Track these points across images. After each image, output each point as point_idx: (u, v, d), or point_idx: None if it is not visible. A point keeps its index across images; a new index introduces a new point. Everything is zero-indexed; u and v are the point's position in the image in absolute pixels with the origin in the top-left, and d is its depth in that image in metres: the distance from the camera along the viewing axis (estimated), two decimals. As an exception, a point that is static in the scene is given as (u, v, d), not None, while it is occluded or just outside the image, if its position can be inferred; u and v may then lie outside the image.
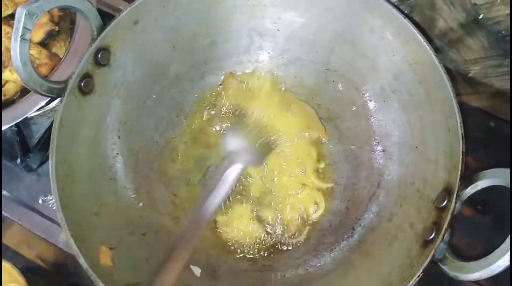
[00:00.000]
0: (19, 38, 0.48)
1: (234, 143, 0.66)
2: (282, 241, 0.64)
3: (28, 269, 0.66)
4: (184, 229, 0.55)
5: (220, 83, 0.71)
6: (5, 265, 0.62)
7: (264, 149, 0.67)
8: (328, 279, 0.59)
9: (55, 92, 0.54)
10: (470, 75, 0.74)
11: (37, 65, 0.62)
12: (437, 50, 0.73)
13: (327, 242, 0.63)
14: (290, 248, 0.64)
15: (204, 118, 0.71)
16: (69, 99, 0.54)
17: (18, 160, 0.69)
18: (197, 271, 0.60)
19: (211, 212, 0.57)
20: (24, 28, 0.48)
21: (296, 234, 0.65)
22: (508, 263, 0.43)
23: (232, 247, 0.64)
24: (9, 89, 0.65)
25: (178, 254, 0.52)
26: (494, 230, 0.68)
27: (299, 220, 0.65)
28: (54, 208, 0.69)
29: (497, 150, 0.73)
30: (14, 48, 0.49)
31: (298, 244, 0.64)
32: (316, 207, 0.66)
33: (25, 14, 0.48)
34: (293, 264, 0.62)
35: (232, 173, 0.61)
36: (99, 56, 0.57)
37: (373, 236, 0.61)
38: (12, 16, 0.67)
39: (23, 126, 0.68)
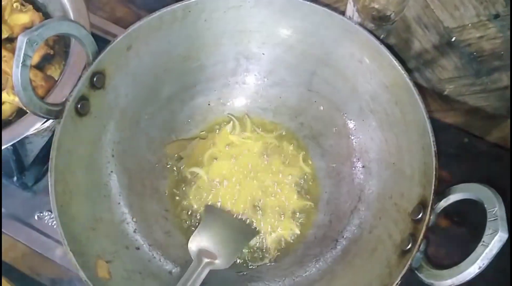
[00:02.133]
0: (20, 64, 0.50)
1: (205, 240, 0.63)
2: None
3: (23, 284, 0.67)
4: None
5: (208, 103, 0.74)
6: (1, 280, 0.64)
7: (240, 242, 0.66)
8: (313, 288, 0.62)
9: (53, 114, 0.55)
10: (445, 93, 0.77)
11: (33, 87, 0.64)
12: (413, 70, 0.76)
13: (312, 254, 0.65)
14: (276, 260, 0.66)
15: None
16: (66, 121, 0.56)
17: (14, 178, 0.71)
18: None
19: None
20: (25, 55, 0.49)
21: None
22: (478, 270, 0.47)
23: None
24: (6, 110, 0.66)
25: None
26: (470, 241, 0.69)
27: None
28: (49, 224, 0.71)
29: (471, 165, 0.76)
30: (16, 74, 0.50)
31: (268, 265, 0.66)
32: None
33: (26, 42, 0.49)
34: (280, 274, 0.64)
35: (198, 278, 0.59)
36: (94, 79, 0.59)
37: (355, 248, 0.63)
38: (7, 40, 0.69)
39: (18, 145, 0.70)
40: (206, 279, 0.62)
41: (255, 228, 0.68)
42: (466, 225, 0.73)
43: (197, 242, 0.63)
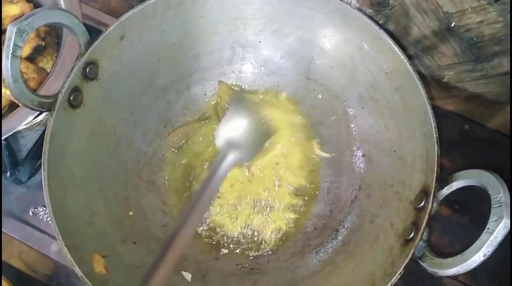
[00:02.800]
0: (10, 55, 0.49)
1: (231, 131, 0.62)
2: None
3: (20, 280, 0.66)
4: (175, 230, 0.50)
5: (205, 93, 0.73)
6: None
7: (258, 143, 0.65)
8: (314, 280, 0.61)
9: (45, 106, 0.55)
10: (444, 80, 0.76)
11: (25, 80, 0.63)
12: (412, 57, 0.75)
13: (313, 245, 0.64)
14: (276, 251, 0.66)
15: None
16: (59, 113, 0.55)
17: (8, 173, 0.70)
18: (188, 276, 0.61)
19: (202, 213, 0.55)
20: (15, 45, 0.49)
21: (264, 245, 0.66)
22: (483, 258, 0.46)
23: (220, 252, 0.65)
24: (-4, 104, 0.65)
25: (169, 257, 0.48)
26: (471, 229, 0.69)
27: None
28: (44, 219, 0.70)
29: (472, 152, 0.76)
30: (5, 65, 0.49)
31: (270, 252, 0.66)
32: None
33: (16, 32, 0.48)
34: (280, 266, 0.63)
35: (224, 167, 0.57)
36: (87, 70, 0.58)
37: (356, 237, 0.62)
38: (-3, 32, 0.68)
39: (11, 140, 0.69)
40: (207, 273, 0.61)
41: (272, 128, 0.67)
42: (467, 213, 0.72)
43: (224, 132, 0.61)
